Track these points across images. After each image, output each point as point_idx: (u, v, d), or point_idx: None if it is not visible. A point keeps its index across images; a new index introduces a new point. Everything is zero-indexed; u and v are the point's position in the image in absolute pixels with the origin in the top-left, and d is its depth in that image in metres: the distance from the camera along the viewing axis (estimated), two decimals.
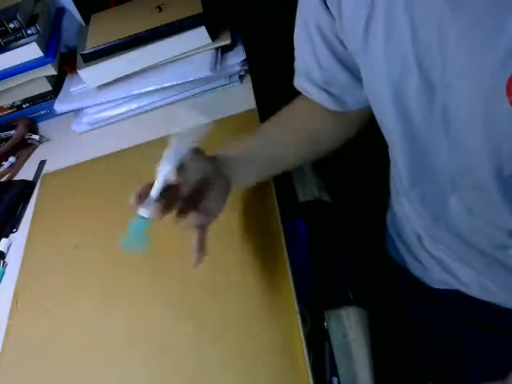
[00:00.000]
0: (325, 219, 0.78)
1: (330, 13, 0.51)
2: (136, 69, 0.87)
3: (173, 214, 0.51)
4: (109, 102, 0.88)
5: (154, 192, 0.49)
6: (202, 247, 0.53)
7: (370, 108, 0.60)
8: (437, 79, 0.44)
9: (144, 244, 0.50)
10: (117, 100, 0.88)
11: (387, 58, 0.46)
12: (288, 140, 0.64)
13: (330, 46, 0.55)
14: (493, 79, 0.39)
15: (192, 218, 0.52)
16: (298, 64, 0.62)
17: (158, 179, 0.50)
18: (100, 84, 0.88)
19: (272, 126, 0.65)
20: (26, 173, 0.88)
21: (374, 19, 0.45)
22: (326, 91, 0.60)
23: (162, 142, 0.82)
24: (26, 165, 0.91)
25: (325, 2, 0.51)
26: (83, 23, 1.01)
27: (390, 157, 0.61)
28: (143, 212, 0.49)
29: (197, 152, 0.53)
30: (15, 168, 0.90)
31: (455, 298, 0.66)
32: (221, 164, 0.57)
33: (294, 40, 0.60)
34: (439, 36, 0.41)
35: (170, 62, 0.88)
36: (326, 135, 0.65)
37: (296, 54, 0.62)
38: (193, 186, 0.52)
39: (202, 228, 0.54)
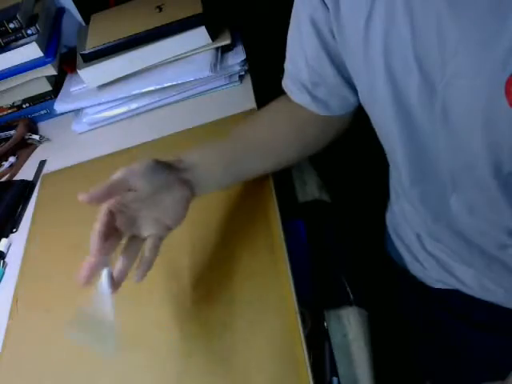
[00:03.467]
0: (325, 219, 0.78)
1: (326, 5, 0.51)
2: (136, 69, 0.87)
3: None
4: (109, 102, 0.88)
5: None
6: (150, 263, 0.52)
7: (349, 117, 0.62)
8: (437, 78, 0.44)
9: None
10: (117, 100, 0.88)
11: (387, 58, 0.46)
12: (265, 145, 0.64)
13: (322, 41, 0.54)
14: (492, 79, 0.39)
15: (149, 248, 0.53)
16: (286, 64, 0.63)
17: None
18: (100, 84, 0.88)
19: (248, 129, 0.65)
20: (26, 173, 0.88)
21: (374, 19, 0.45)
22: (311, 94, 0.60)
23: (162, 142, 0.83)
24: (26, 165, 0.91)
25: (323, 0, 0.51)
26: (83, 23, 1.02)
27: (389, 159, 0.61)
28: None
29: (151, 165, 0.54)
30: (15, 168, 0.90)
31: (455, 298, 0.66)
32: (183, 170, 0.57)
33: (287, 39, 0.60)
34: (439, 35, 0.41)
35: (169, 62, 0.88)
36: (306, 139, 0.65)
37: (287, 54, 0.62)
38: (144, 199, 0.53)
39: (158, 240, 0.54)
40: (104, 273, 0.50)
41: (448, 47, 0.41)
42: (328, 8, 0.51)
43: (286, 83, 0.63)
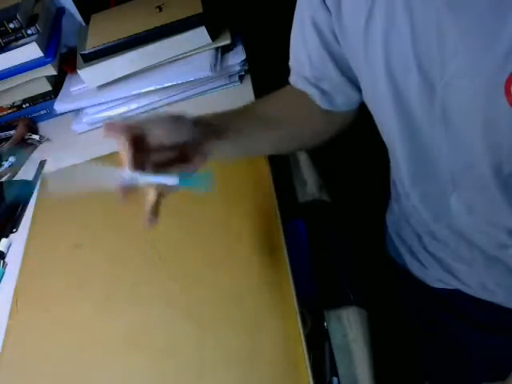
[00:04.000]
0: (325, 219, 0.78)
1: (327, 8, 0.51)
2: (136, 69, 0.87)
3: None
4: (109, 102, 0.88)
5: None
6: (156, 212, 0.49)
7: (354, 113, 0.62)
8: (436, 78, 0.44)
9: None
10: (117, 100, 0.88)
11: (387, 57, 0.46)
12: (275, 122, 0.62)
13: (324, 42, 0.55)
14: (492, 79, 0.40)
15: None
16: (291, 61, 0.63)
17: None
18: (100, 84, 0.88)
19: (261, 106, 0.63)
20: (26, 173, 0.88)
21: (374, 18, 0.45)
22: (318, 88, 0.60)
23: None
24: (25, 165, 0.91)
25: (324, 1, 0.51)
26: (83, 23, 1.02)
27: (390, 157, 0.61)
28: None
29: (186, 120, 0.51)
30: (15, 168, 0.90)
31: (455, 298, 0.66)
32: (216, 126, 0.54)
33: (291, 37, 0.60)
34: (438, 35, 0.41)
35: (169, 62, 0.88)
36: (308, 129, 0.64)
37: (290, 51, 0.62)
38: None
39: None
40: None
41: (448, 47, 0.41)
42: (329, 10, 0.51)
43: (292, 79, 0.63)
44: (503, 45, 0.37)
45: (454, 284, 0.66)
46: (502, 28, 0.37)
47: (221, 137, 0.54)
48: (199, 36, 0.85)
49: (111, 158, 0.82)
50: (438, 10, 0.40)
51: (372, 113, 0.56)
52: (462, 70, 0.41)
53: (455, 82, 0.42)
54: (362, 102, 0.59)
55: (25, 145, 0.94)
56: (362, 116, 0.62)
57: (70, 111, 0.93)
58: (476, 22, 0.38)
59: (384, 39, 0.45)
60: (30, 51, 0.90)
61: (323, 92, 0.60)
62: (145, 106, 0.89)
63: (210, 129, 0.53)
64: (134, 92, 0.87)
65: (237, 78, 0.88)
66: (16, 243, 0.76)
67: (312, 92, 0.61)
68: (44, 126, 0.99)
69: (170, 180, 0.48)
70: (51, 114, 0.98)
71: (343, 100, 0.60)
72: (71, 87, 0.92)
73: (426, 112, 0.47)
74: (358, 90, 0.58)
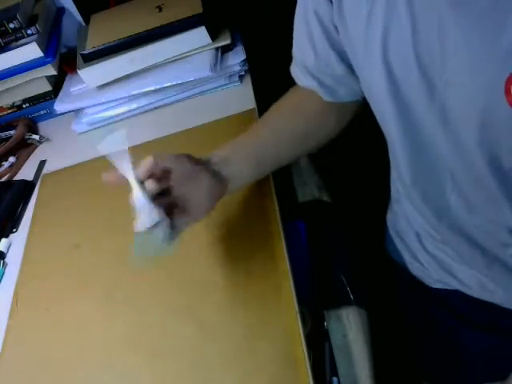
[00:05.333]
0: (325, 219, 0.78)
1: (330, 1, 0.51)
2: (136, 69, 0.87)
3: None
4: (109, 102, 0.88)
5: (140, 198, 0.48)
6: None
7: (362, 102, 0.61)
8: (436, 76, 0.44)
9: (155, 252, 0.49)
10: (117, 100, 0.88)
11: (387, 55, 0.46)
12: (291, 132, 0.63)
13: (327, 34, 0.55)
14: (492, 79, 0.40)
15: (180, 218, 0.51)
16: (294, 51, 0.63)
17: (134, 187, 0.49)
18: (100, 84, 0.88)
19: (273, 118, 0.65)
20: (26, 173, 0.88)
21: (375, 14, 0.45)
22: (318, 80, 0.60)
23: (161, 142, 0.83)
24: (26, 165, 0.91)
25: None
26: (83, 23, 1.02)
27: (390, 156, 0.61)
28: (141, 226, 0.48)
29: (182, 158, 0.53)
30: (15, 168, 0.90)
31: (455, 298, 0.66)
32: (217, 164, 0.56)
33: (294, 27, 0.60)
34: (439, 33, 0.41)
35: (169, 62, 0.88)
36: (316, 128, 0.65)
37: (294, 41, 0.62)
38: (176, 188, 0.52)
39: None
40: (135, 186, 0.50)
41: (449, 45, 0.41)
42: (331, 2, 0.51)
43: (294, 70, 0.64)
44: (504, 44, 0.37)
45: (453, 284, 0.66)
46: (503, 27, 0.37)
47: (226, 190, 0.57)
48: (199, 36, 0.85)
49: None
50: (439, 8, 0.40)
51: (373, 110, 0.56)
52: (462, 68, 0.41)
53: (455, 80, 0.42)
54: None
55: (25, 145, 0.94)
56: (362, 116, 0.62)
57: (70, 111, 0.93)
58: (477, 21, 0.38)
59: (384, 35, 0.45)
60: (30, 51, 0.90)
61: (326, 85, 0.60)
62: (145, 105, 0.89)
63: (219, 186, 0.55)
64: (134, 92, 0.87)
65: (237, 78, 0.88)
66: (16, 243, 0.76)
67: (313, 85, 0.61)
68: (44, 126, 0.99)
69: (150, 216, 0.48)
70: (51, 114, 0.98)
71: (346, 91, 0.61)
72: (71, 87, 0.93)
73: (426, 109, 0.47)
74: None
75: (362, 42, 0.48)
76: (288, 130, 0.63)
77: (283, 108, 0.65)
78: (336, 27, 0.53)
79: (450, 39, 0.41)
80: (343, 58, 0.56)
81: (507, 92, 0.39)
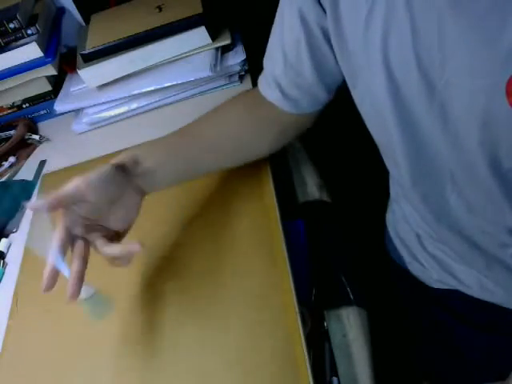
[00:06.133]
0: (325, 219, 0.78)
1: (320, 5, 0.51)
2: (136, 69, 0.87)
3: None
4: (109, 102, 0.88)
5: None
6: (81, 278, 0.53)
7: (315, 115, 0.63)
8: (436, 77, 0.44)
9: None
10: (117, 100, 0.88)
11: (386, 57, 0.46)
12: (216, 144, 0.64)
13: (308, 34, 0.54)
14: (492, 79, 0.39)
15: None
16: (265, 61, 0.63)
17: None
18: (100, 84, 0.88)
19: (201, 127, 0.66)
20: (26, 173, 0.88)
21: (374, 17, 0.45)
22: (283, 92, 0.60)
23: None
24: (26, 165, 0.91)
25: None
26: (83, 23, 1.02)
27: (385, 160, 0.61)
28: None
29: (105, 176, 0.55)
30: (15, 168, 0.90)
31: (455, 298, 0.66)
32: (139, 176, 0.57)
33: (270, 37, 0.61)
34: (439, 33, 0.41)
35: (169, 62, 0.88)
36: (266, 137, 0.66)
37: (267, 49, 0.62)
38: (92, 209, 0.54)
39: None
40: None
41: (448, 45, 0.41)
42: (323, 8, 0.50)
43: (261, 81, 0.64)
44: (505, 45, 0.37)
45: (453, 284, 0.66)
46: (504, 28, 0.37)
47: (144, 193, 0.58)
48: (199, 36, 0.85)
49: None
50: (439, 8, 0.40)
51: (366, 117, 0.56)
52: (462, 69, 0.41)
53: (455, 81, 0.42)
54: (326, 103, 0.61)
55: (25, 145, 0.94)
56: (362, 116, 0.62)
57: (70, 111, 0.93)
58: (477, 21, 0.38)
59: (384, 37, 0.45)
60: (30, 51, 0.90)
61: (289, 97, 0.60)
62: (145, 105, 0.89)
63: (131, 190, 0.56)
64: (134, 92, 0.87)
65: (237, 78, 0.88)
66: (16, 243, 0.76)
67: (278, 98, 0.61)
68: (44, 126, 0.99)
69: (86, 291, 0.54)
70: (51, 114, 0.98)
71: (309, 102, 0.61)
72: (71, 87, 0.93)
73: (425, 110, 0.47)
74: (326, 89, 0.59)
75: (362, 44, 0.48)
76: (216, 141, 0.64)
77: (221, 117, 0.66)
78: (324, 33, 0.52)
79: (449, 40, 0.41)
80: (317, 63, 0.56)
81: (508, 93, 0.39)
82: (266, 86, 0.62)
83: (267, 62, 0.62)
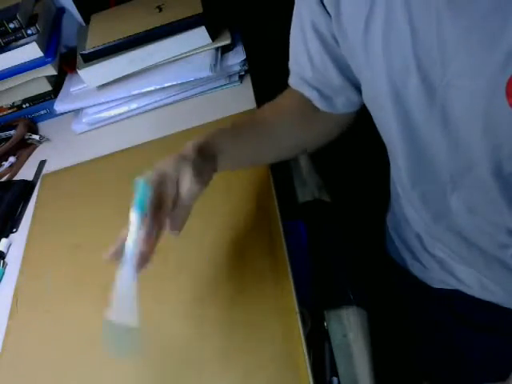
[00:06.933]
0: (325, 219, 0.78)
1: (327, 12, 0.51)
2: (136, 69, 0.87)
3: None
4: (109, 102, 0.88)
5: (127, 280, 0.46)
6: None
7: (356, 113, 0.62)
8: (436, 79, 0.44)
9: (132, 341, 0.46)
10: (117, 100, 0.88)
11: (387, 58, 0.46)
12: (274, 133, 0.63)
13: (325, 45, 0.55)
14: (492, 80, 0.39)
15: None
16: (291, 64, 0.63)
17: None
18: (100, 84, 0.88)
19: (260, 116, 0.64)
20: (26, 173, 0.88)
21: (374, 18, 0.45)
22: (318, 90, 0.60)
23: (161, 142, 0.83)
24: (26, 165, 0.91)
25: (321, 1, 0.51)
26: (83, 23, 1.02)
27: (390, 158, 0.61)
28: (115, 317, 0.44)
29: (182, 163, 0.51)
30: (15, 168, 0.90)
31: (455, 298, 0.66)
32: (212, 159, 0.55)
33: (290, 40, 0.60)
34: (438, 36, 0.41)
35: (169, 62, 0.88)
36: (309, 133, 0.65)
37: (290, 54, 0.62)
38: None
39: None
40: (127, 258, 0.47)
41: (448, 48, 0.41)
42: (328, 13, 0.51)
43: (292, 81, 0.63)
44: (504, 46, 0.37)
45: (454, 284, 0.66)
46: (503, 29, 0.37)
47: (216, 169, 0.55)
48: (199, 36, 0.85)
49: (111, 158, 0.83)
50: (437, 10, 0.40)
51: (372, 114, 0.56)
52: (462, 70, 0.41)
53: (456, 82, 0.42)
54: (362, 104, 0.60)
55: (25, 145, 0.94)
56: (362, 116, 0.62)
57: (70, 111, 0.93)
58: (476, 23, 0.38)
59: (384, 40, 0.45)
60: (30, 51, 0.90)
61: (323, 95, 0.60)
62: (145, 105, 0.89)
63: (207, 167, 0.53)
64: (134, 92, 0.87)
65: (237, 78, 0.88)
66: (16, 243, 0.76)
67: (312, 95, 0.61)
68: (44, 126, 0.99)
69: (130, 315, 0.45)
70: (51, 114, 0.98)
71: (343, 102, 0.60)
72: (71, 87, 0.93)
73: (426, 112, 0.47)
74: (359, 92, 0.58)
75: (363, 47, 0.48)
76: (274, 131, 0.63)
77: (274, 110, 0.65)
78: (335, 38, 0.53)
79: (449, 41, 0.41)
80: (342, 69, 0.56)
81: (508, 94, 0.39)
82: (302, 86, 0.62)
83: (295, 67, 0.62)
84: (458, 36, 0.40)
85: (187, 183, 0.50)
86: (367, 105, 0.56)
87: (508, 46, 0.37)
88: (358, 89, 0.58)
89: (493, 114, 0.41)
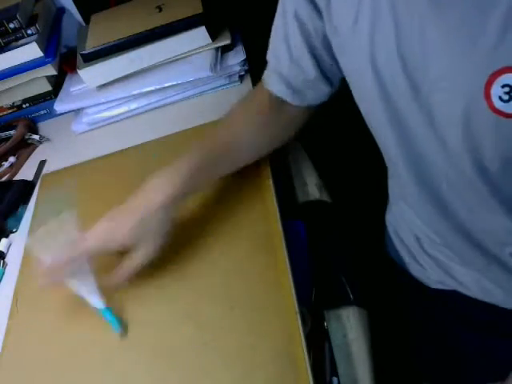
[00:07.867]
0: (325, 219, 0.78)
1: (315, 5, 0.51)
2: (136, 69, 0.87)
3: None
4: (109, 101, 0.88)
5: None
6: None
7: (316, 108, 0.64)
8: (421, 80, 0.44)
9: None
10: (117, 100, 0.88)
11: (374, 59, 0.46)
12: (232, 149, 0.65)
13: (306, 35, 0.55)
14: (472, 82, 0.40)
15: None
16: (269, 57, 0.63)
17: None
18: (100, 84, 0.88)
19: (217, 135, 0.66)
20: (26, 173, 0.88)
21: (360, 19, 0.45)
22: (289, 85, 0.61)
23: (162, 142, 0.83)
24: (26, 165, 0.91)
25: None
26: (83, 23, 1.02)
27: (387, 160, 0.61)
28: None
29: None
30: (15, 168, 0.90)
31: (454, 299, 0.67)
32: (175, 208, 0.59)
33: (271, 32, 0.61)
34: (421, 37, 0.41)
35: (169, 62, 0.88)
36: (272, 131, 0.67)
37: (269, 46, 0.62)
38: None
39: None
40: None
41: (431, 48, 0.41)
42: (317, 7, 0.51)
43: (267, 77, 0.64)
44: (483, 49, 0.38)
45: (452, 285, 0.66)
46: (483, 31, 0.37)
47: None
48: (199, 36, 0.85)
49: (111, 158, 0.83)
50: (420, 13, 0.40)
51: (365, 118, 0.56)
52: (444, 71, 0.41)
53: (438, 84, 0.42)
54: (332, 94, 0.62)
55: (25, 145, 0.94)
56: (362, 116, 0.62)
57: (70, 111, 0.93)
58: (457, 24, 0.39)
59: (370, 41, 0.45)
60: (30, 51, 0.90)
61: (296, 90, 0.61)
62: (145, 105, 0.89)
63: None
64: (134, 92, 0.87)
65: (237, 78, 0.88)
66: (16, 243, 0.76)
67: (284, 92, 0.62)
68: (44, 126, 0.99)
69: (96, 302, 0.57)
70: (51, 114, 0.98)
71: (314, 95, 0.62)
72: (71, 87, 0.93)
73: (414, 114, 0.47)
74: (330, 83, 0.60)
75: (352, 47, 0.48)
76: (231, 147, 0.65)
77: (244, 119, 0.66)
78: (319, 32, 0.53)
79: (431, 42, 0.41)
80: (319, 62, 0.57)
81: (486, 96, 0.39)
82: (273, 80, 0.63)
83: (272, 58, 0.63)
84: (439, 37, 0.40)
85: (145, 252, 0.57)
86: (359, 105, 0.56)
87: (486, 48, 0.37)
88: (329, 80, 0.60)
89: (472, 116, 0.41)
